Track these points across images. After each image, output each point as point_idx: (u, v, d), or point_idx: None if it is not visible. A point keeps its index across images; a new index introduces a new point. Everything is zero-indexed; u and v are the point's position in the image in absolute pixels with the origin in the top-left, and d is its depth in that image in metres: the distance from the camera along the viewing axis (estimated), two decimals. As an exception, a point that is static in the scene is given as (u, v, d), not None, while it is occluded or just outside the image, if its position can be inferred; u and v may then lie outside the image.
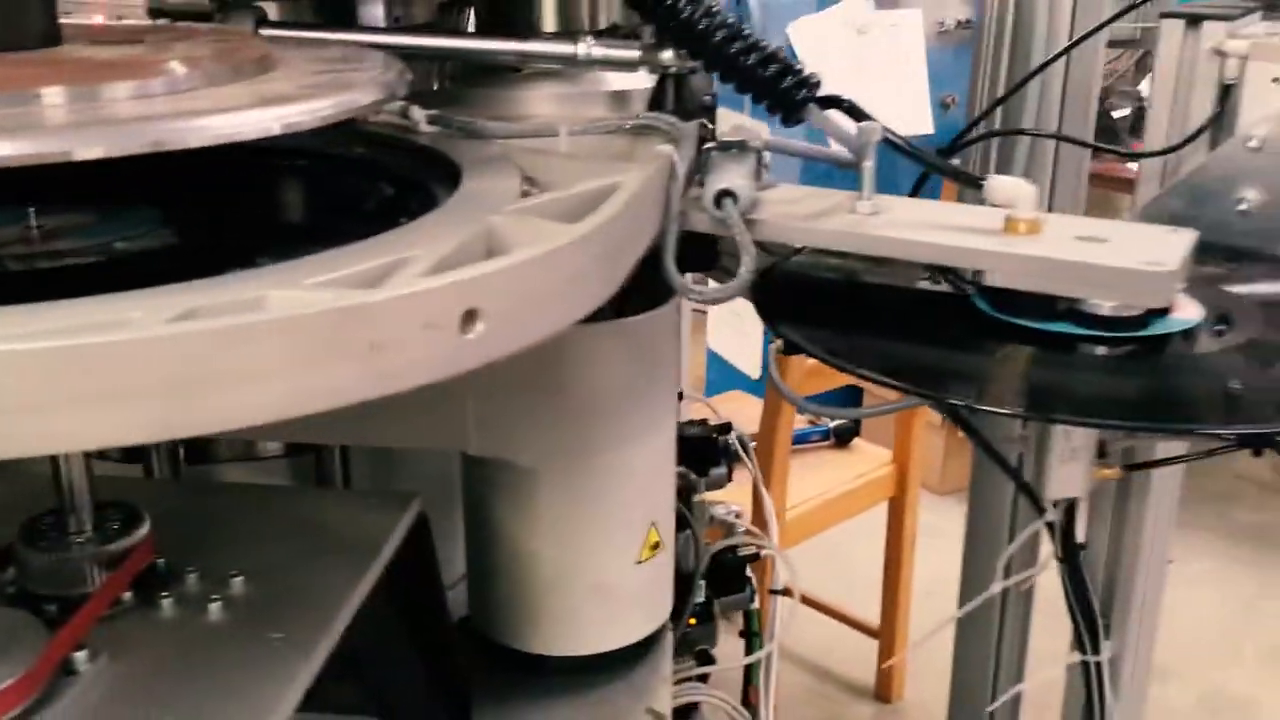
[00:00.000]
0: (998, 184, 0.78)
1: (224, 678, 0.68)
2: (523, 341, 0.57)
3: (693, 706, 1.39)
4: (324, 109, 0.61)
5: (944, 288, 0.81)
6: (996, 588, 1.14)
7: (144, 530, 0.75)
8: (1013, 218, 0.75)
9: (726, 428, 1.61)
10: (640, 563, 1.06)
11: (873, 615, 2.74)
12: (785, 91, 0.79)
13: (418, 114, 0.82)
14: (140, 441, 0.46)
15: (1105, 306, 0.72)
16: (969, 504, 1.35)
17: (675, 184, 0.77)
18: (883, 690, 2.78)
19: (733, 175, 0.77)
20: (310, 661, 0.70)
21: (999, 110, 1.18)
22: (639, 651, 1.10)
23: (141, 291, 0.49)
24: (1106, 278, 0.70)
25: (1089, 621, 1.13)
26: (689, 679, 1.34)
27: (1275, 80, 0.93)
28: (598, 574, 1.04)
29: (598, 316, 0.95)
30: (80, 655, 0.67)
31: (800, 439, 2.66)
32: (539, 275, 0.57)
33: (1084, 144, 1.13)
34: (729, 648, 1.50)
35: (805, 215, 0.80)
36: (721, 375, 3.60)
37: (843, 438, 2.70)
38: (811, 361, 2.33)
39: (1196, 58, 0.97)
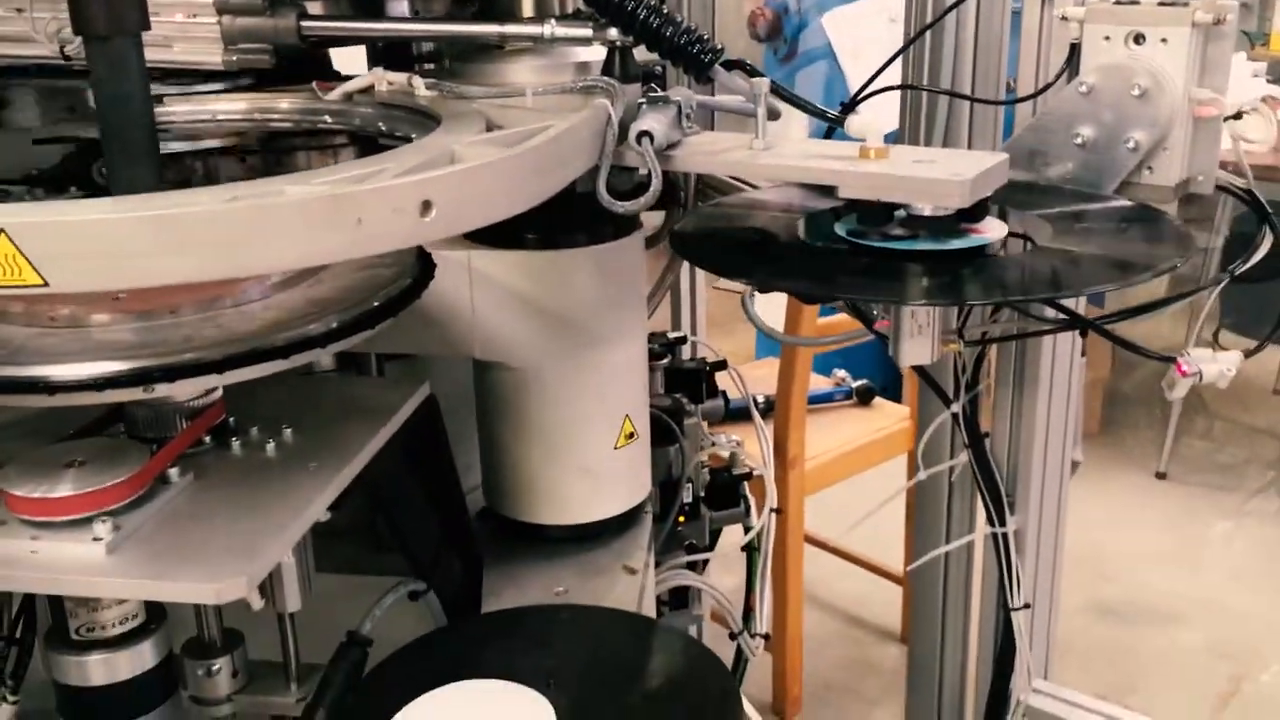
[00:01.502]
0: (855, 121, 1.00)
1: (274, 487, 0.93)
2: (467, 225, 0.82)
3: (684, 590, 1.62)
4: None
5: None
6: (923, 475, 1.36)
7: (218, 394, 1.01)
8: (864, 148, 0.98)
9: (721, 365, 1.84)
10: (618, 448, 1.30)
11: (898, 563, 2.93)
12: (695, 56, 1.03)
13: (418, 82, 1.07)
14: (205, 278, 0.72)
15: (926, 209, 0.95)
16: (918, 413, 1.58)
17: (610, 129, 1.02)
18: (908, 633, 2.97)
19: (652, 121, 1.01)
20: (336, 480, 0.95)
21: (926, 71, 1.40)
22: (621, 523, 1.34)
23: (206, 188, 0.75)
24: (920, 185, 0.92)
25: (995, 499, 1.34)
26: (677, 566, 1.58)
27: (1105, 39, 1.14)
28: (582, 457, 1.28)
29: (575, 244, 1.22)
30: (173, 471, 0.93)
31: (824, 399, 2.86)
32: (478, 180, 0.82)
33: (958, 95, 1.34)
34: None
35: (711, 152, 1.04)
36: (765, 346, 3.87)
37: (864, 397, 2.89)
38: (825, 319, 2.56)
39: (1052, 22, 1.19)
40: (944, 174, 0.92)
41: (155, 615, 0.96)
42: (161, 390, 0.82)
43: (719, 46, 1.04)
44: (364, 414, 1.05)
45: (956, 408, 1.30)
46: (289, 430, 1.01)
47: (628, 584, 1.27)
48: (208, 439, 1.00)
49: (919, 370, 1.24)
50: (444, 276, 1.16)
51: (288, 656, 1.05)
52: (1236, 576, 3.14)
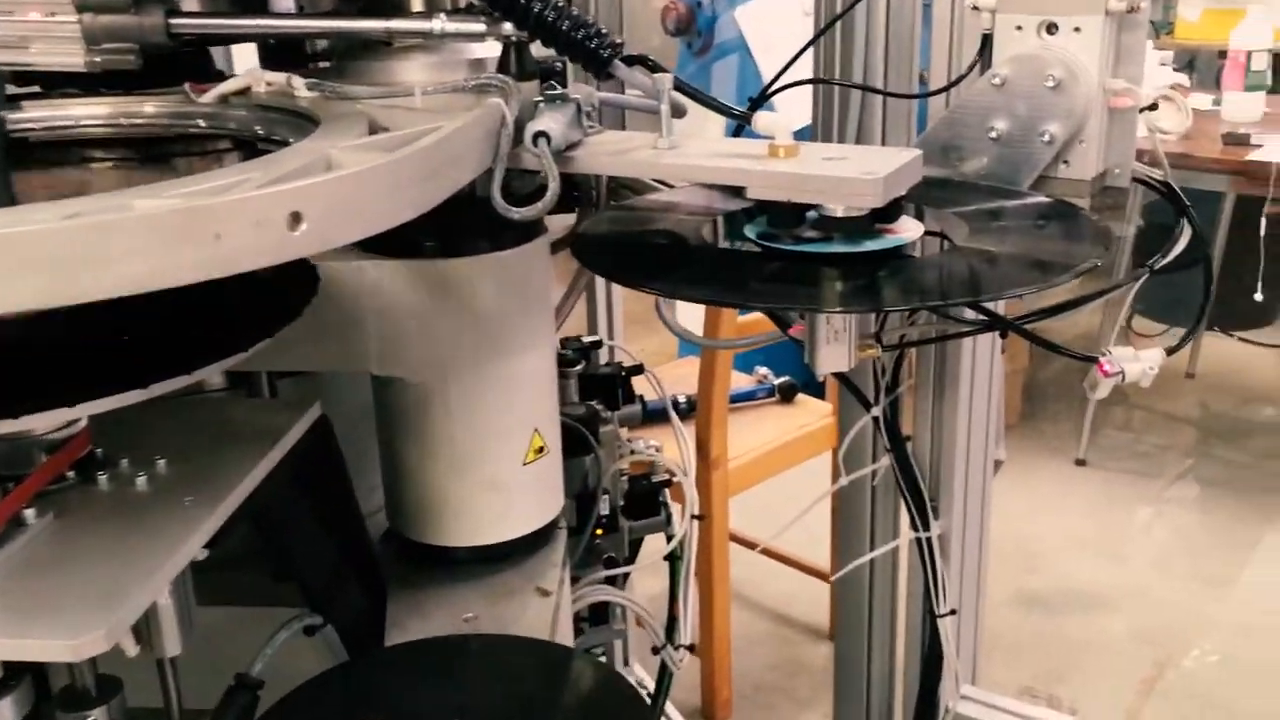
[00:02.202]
0: (763, 118, 0.95)
1: (146, 526, 0.86)
2: (344, 238, 0.75)
3: (604, 606, 1.57)
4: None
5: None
6: (845, 480, 1.32)
7: (82, 424, 0.93)
8: (773, 145, 0.93)
9: (638, 369, 1.79)
10: (527, 464, 1.24)
11: (825, 561, 2.90)
12: (593, 52, 0.97)
13: (298, 82, 1.00)
14: (43, 306, 0.64)
15: (839, 210, 0.90)
16: (838, 418, 1.54)
17: (505, 130, 0.95)
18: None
19: (549, 120, 0.95)
20: (214, 516, 0.88)
21: (838, 64, 1.36)
22: (533, 542, 1.27)
23: (45, 204, 0.68)
24: (831, 184, 0.88)
25: (918, 503, 1.31)
26: (595, 581, 1.52)
27: (1018, 28, 1.10)
28: (490, 474, 1.22)
29: (477, 250, 1.15)
30: (29, 513, 0.85)
31: (746, 397, 2.83)
32: (354, 188, 0.75)
33: (870, 89, 1.30)
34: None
35: (614, 152, 0.98)
36: (687, 347, 3.83)
37: (787, 394, 2.87)
38: (745, 318, 2.52)
39: (964, 12, 1.16)
40: (856, 172, 0.87)
41: (16, 669, 0.88)
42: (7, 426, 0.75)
43: (618, 41, 0.98)
44: (247, 440, 0.98)
45: (877, 411, 1.26)
46: (163, 461, 0.94)
47: (541, 607, 1.20)
48: (71, 474, 0.92)
49: (838, 375, 1.20)
50: (334, 287, 1.09)
51: (169, 703, 0.98)
52: (1158, 562, 3.16)
